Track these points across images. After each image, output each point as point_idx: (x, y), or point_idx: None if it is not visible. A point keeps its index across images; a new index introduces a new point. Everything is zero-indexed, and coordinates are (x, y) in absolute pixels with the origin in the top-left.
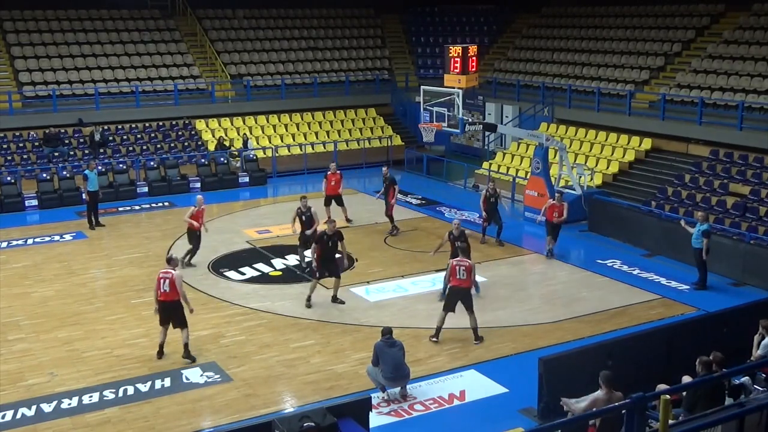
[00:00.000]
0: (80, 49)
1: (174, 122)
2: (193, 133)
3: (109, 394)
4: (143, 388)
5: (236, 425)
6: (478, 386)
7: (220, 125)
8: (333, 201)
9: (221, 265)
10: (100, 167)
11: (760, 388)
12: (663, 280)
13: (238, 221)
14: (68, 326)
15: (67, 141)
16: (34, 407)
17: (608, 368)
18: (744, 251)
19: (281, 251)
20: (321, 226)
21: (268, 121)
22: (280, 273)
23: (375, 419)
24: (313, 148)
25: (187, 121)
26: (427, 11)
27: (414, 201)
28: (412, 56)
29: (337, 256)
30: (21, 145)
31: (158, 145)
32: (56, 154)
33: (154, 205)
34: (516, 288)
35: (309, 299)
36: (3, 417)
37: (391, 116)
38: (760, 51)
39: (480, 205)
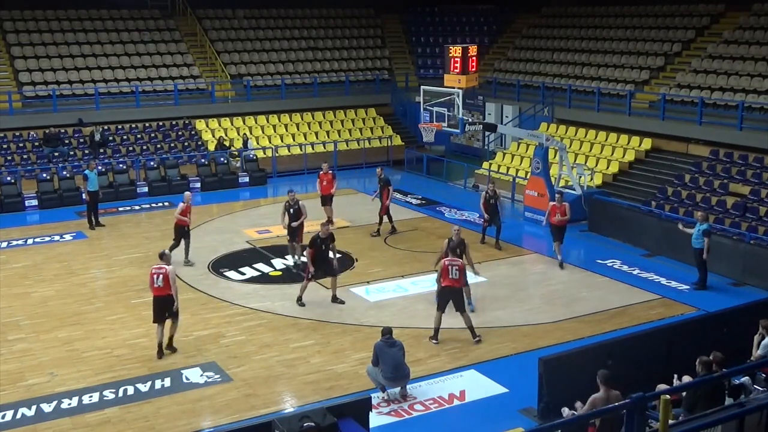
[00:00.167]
0: (80, 49)
1: (174, 122)
2: (193, 133)
3: (109, 394)
4: (143, 388)
5: (236, 425)
6: (478, 386)
7: (220, 125)
8: (326, 201)
9: (221, 265)
10: (100, 167)
11: (760, 388)
12: (663, 280)
13: (238, 221)
14: (68, 326)
15: (67, 141)
16: (34, 407)
17: (608, 368)
18: (744, 251)
19: (281, 251)
20: (315, 226)
21: (268, 121)
22: (280, 273)
23: (375, 419)
24: (313, 148)
25: (187, 121)
26: (427, 11)
27: (414, 201)
28: (412, 56)
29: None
30: (21, 145)
31: (158, 145)
32: (56, 154)
33: (154, 205)
34: (516, 288)
35: (300, 299)
36: (3, 417)
37: (391, 116)
38: (760, 51)
39: (480, 206)
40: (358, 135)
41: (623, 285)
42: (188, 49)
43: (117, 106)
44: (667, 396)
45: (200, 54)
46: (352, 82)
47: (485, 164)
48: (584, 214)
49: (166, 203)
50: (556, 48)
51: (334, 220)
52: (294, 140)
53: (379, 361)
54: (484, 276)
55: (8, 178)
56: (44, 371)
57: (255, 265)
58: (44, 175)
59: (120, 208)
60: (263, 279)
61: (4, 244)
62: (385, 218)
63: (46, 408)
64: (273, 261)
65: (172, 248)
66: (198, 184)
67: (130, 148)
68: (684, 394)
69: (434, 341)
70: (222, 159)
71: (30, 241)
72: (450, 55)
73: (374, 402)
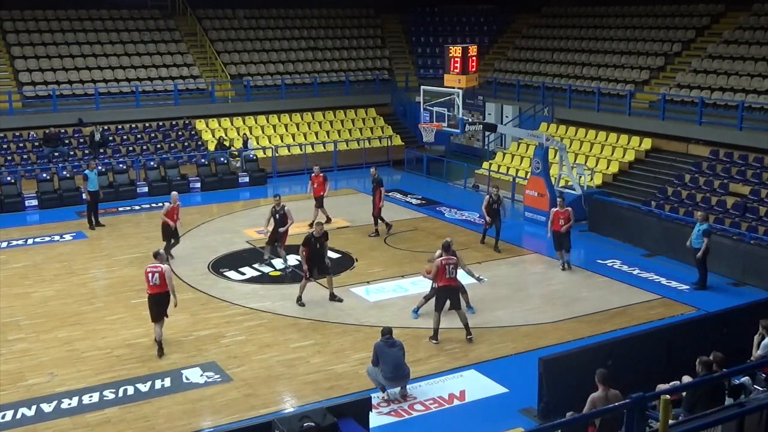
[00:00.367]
0: (80, 49)
1: (174, 122)
2: (193, 133)
3: (109, 394)
4: (143, 388)
5: (236, 425)
6: (478, 386)
7: (220, 125)
8: (317, 202)
9: (221, 265)
10: (100, 167)
11: (760, 388)
12: (663, 280)
13: (238, 221)
14: (68, 326)
15: (67, 141)
16: (34, 407)
17: (608, 368)
18: (744, 251)
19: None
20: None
21: (268, 121)
22: (280, 273)
23: (375, 419)
24: (313, 148)
25: (187, 121)
26: (427, 11)
27: (414, 201)
28: (412, 56)
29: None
30: (21, 145)
31: (158, 145)
32: (56, 154)
33: (154, 205)
34: (516, 288)
35: (299, 299)
36: (3, 417)
37: (391, 116)
38: (760, 51)
39: (482, 210)
40: (358, 135)
41: (623, 285)
42: (188, 49)
43: (117, 106)
44: (667, 396)
45: (200, 54)
46: (352, 82)
47: (485, 164)
48: (584, 214)
49: (167, 203)
50: (556, 48)
51: (333, 219)
52: (294, 140)
53: (379, 361)
54: (484, 276)
55: (8, 178)
56: (44, 371)
57: (255, 265)
58: (44, 175)
59: (120, 208)
60: (263, 279)
61: (4, 244)
62: (376, 219)
63: (46, 408)
64: (273, 261)
65: (166, 249)
66: (198, 184)
67: (130, 148)
68: (684, 394)
69: (434, 341)
70: (222, 159)
71: (30, 241)
72: (450, 55)
73: (374, 402)
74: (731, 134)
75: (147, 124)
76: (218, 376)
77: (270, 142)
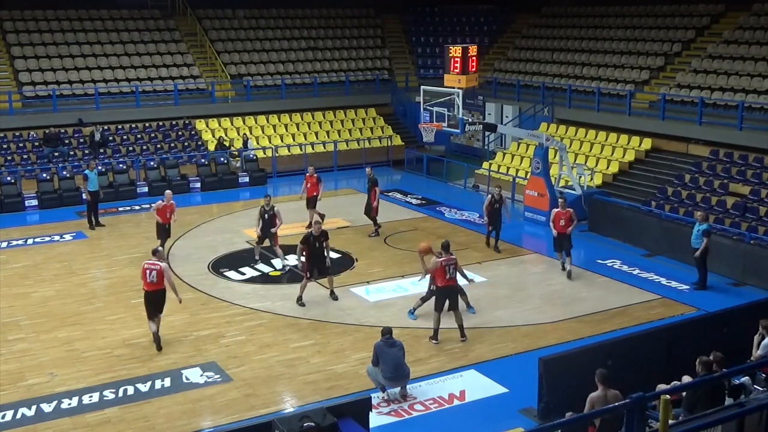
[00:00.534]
0: (80, 49)
1: (174, 122)
2: (193, 133)
3: (109, 394)
4: (143, 388)
5: (236, 425)
6: (478, 386)
7: (220, 125)
8: (309, 203)
9: (221, 265)
10: (100, 167)
11: (760, 388)
12: (663, 280)
13: (238, 221)
14: (68, 326)
15: (67, 141)
16: (34, 407)
17: (608, 368)
18: (744, 251)
19: (282, 251)
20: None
21: (268, 121)
22: (280, 273)
23: (375, 419)
24: (313, 148)
25: (187, 121)
26: (427, 11)
27: (414, 201)
28: (412, 56)
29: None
30: (21, 145)
31: (158, 145)
32: (56, 154)
33: (154, 205)
34: (516, 288)
35: (300, 299)
36: (3, 417)
37: (391, 116)
38: (760, 51)
39: (483, 209)
40: (358, 135)
41: (623, 285)
42: (188, 49)
43: (117, 106)
44: (667, 396)
45: (200, 54)
46: (352, 82)
47: (485, 164)
48: (584, 214)
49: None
50: (556, 48)
51: (333, 219)
52: (294, 140)
53: (379, 361)
54: (484, 276)
55: (8, 178)
56: (44, 371)
57: (255, 265)
58: (44, 175)
59: (120, 208)
60: (263, 279)
61: (4, 244)
62: (374, 219)
63: (46, 408)
64: (273, 261)
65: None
66: (198, 184)
67: (130, 148)
68: (684, 394)
69: (434, 341)
70: (222, 159)
71: (30, 241)
72: (450, 55)
73: (374, 402)
74: (731, 134)
75: (147, 124)
76: (218, 376)
77: (270, 142)
